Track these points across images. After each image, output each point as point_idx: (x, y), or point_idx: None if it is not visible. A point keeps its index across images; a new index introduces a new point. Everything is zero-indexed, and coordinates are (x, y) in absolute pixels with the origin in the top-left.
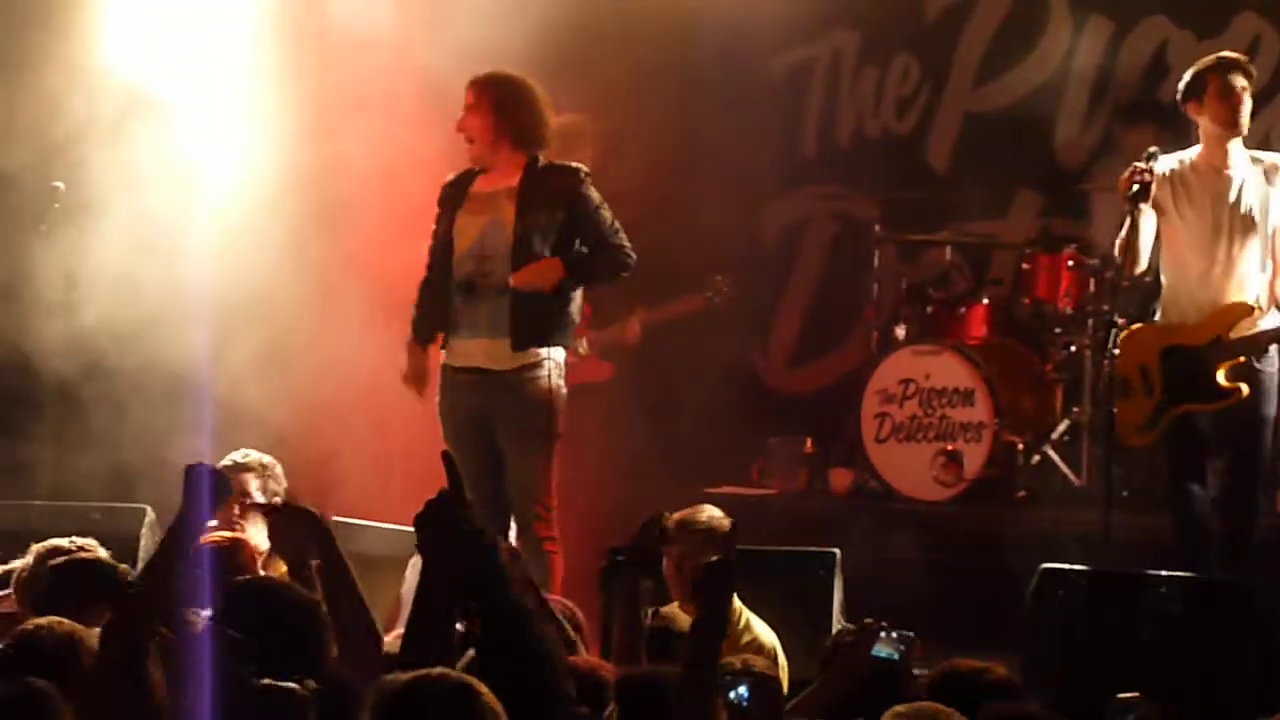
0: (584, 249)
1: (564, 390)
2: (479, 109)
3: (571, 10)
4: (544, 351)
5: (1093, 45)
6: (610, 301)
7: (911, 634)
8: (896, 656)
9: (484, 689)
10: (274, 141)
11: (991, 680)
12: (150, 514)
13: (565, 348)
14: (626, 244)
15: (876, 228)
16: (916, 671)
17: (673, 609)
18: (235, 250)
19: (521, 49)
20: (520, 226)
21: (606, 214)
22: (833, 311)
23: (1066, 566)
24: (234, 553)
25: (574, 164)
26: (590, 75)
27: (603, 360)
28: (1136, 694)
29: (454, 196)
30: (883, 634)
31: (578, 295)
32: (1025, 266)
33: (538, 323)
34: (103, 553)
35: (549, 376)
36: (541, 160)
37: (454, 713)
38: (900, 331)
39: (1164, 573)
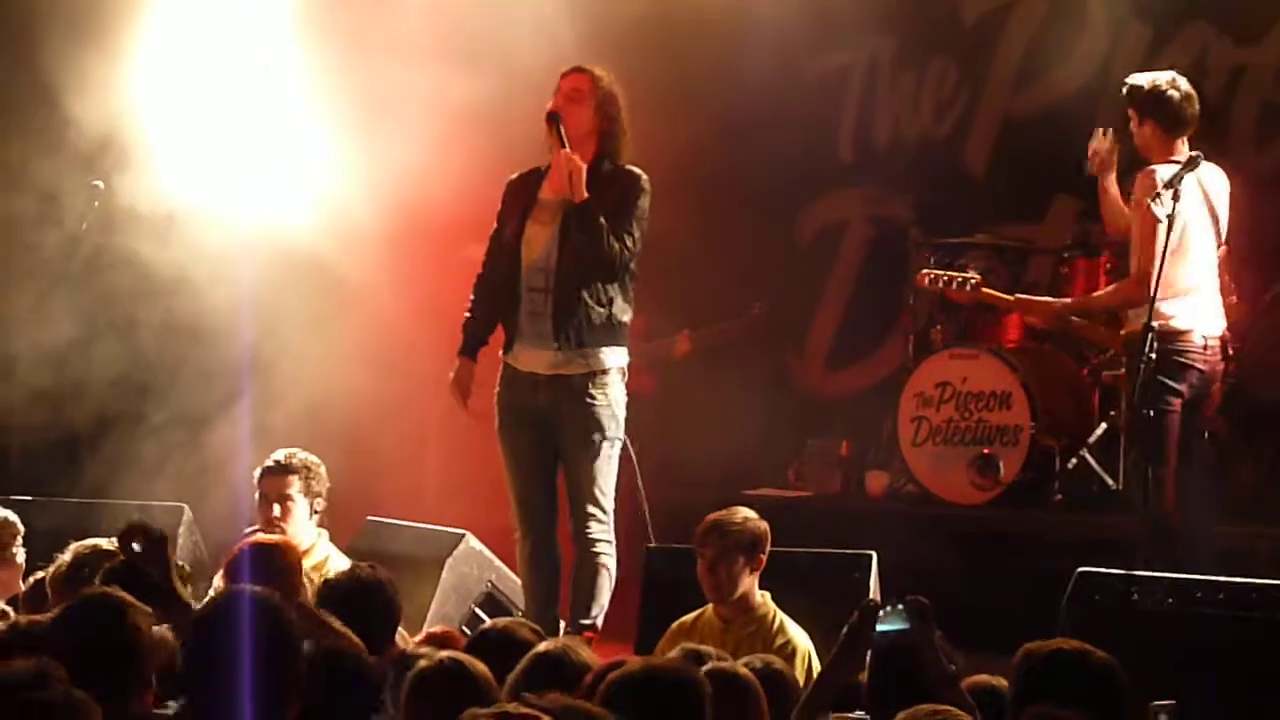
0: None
1: (625, 398)
2: (586, 101)
3: (608, 19)
4: (607, 358)
5: (1131, 51)
6: (661, 318)
7: (920, 597)
8: (908, 626)
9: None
10: (322, 150)
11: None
12: (188, 512)
13: (624, 347)
14: (630, 246)
15: (913, 231)
16: None
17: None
18: (280, 253)
19: (558, 58)
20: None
21: (638, 219)
22: (869, 315)
23: (1103, 570)
24: (280, 553)
25: (636, 169)
26: (628, 82)
27: (648, 373)
28: (1171, 702)
29: (521, 199)
30: (884, 610)
31: (618, 298)
32: (1063, 270)
33: (583, 325)
34: None
35: (613, 383)
36: (607, 165)
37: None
38: (937, 335)
39: (1200, 577)
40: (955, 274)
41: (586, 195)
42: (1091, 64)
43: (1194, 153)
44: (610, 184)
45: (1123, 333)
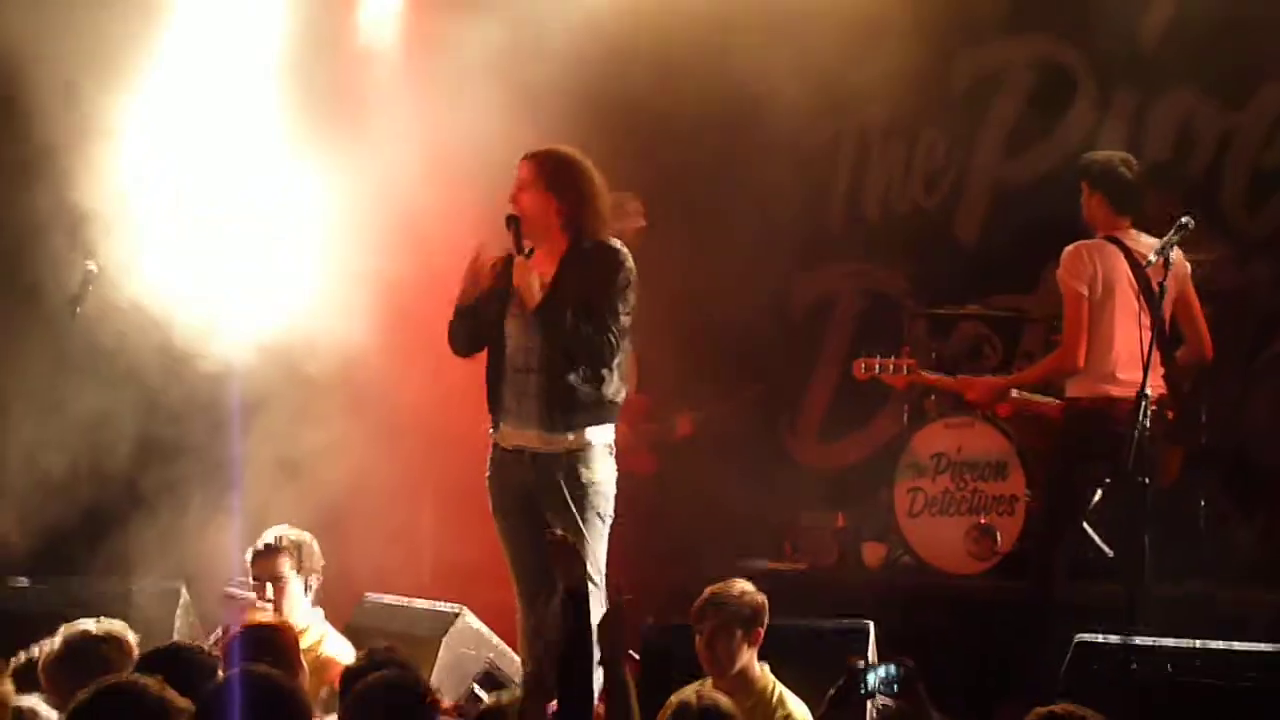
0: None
1: (614, 473)
2: (534, 186)
3: (588, 101)
4: (593, 435)
5: (1118, 118)
6: (662, 398)
7: (906, 659)
8: (895, 687)
9: None
10: (316, 224)
11: None
12: (184, 593)
13: (612, 424)
14: (614, 329)
15: (906, 301)
16: None
17: (708, 689)
18: (273, 331)
19: (547, 129)
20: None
21: (622, 295)
22: (863, 386)
23: (1101, 638)
24: (275, 636)
25: (614, 243)
26: (621, 157)
27: (650, 453)
28: None
29: (502, 288)
30: (870, 670)
31: (613, 378)
32: (1056, 339)
33: (572, 406)
34: (131, 637)
35: (599, 460)
36: (586, 243)
37: None
38: (931, 404)
39: (1199, 644)
40: (890, 360)
41: (539, 300)
42: (1080, 131)
43: (1184, 219)
44: (589, 264)
45: (1065, 399)
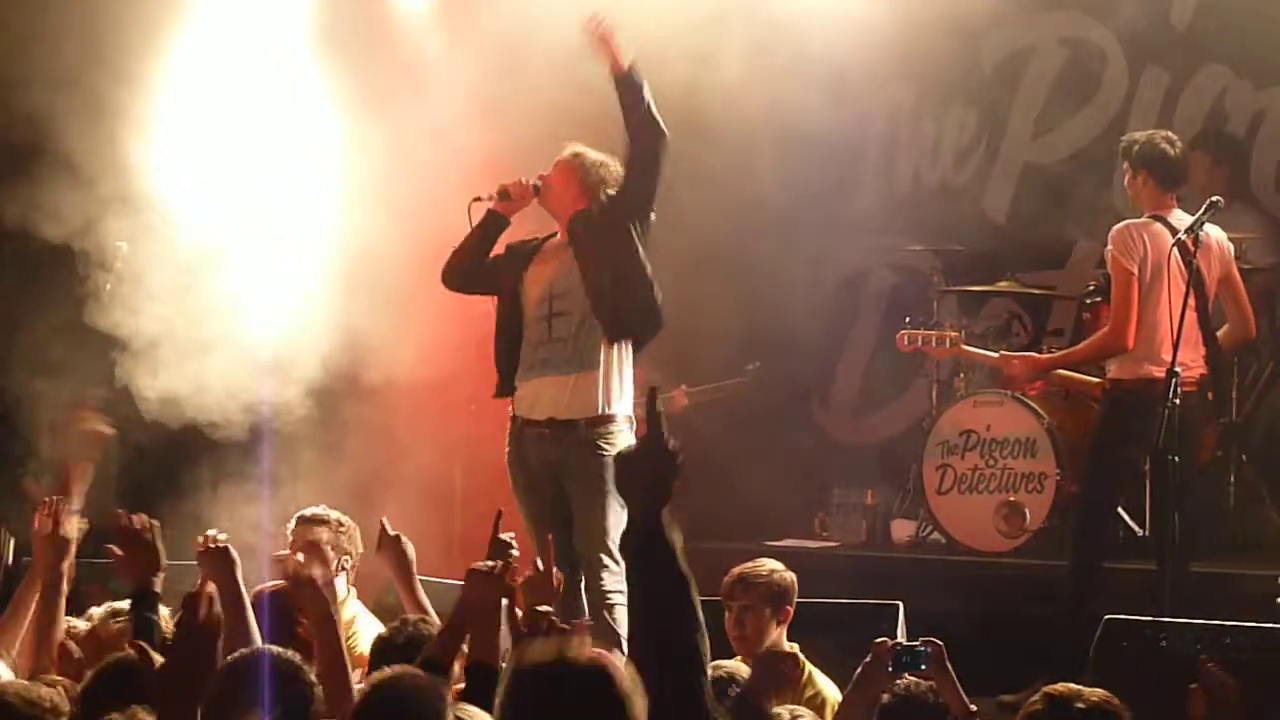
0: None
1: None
2: (568, 167)
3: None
4: (614, 408)
5: (1150, 96)
6: (657, 374)
7: (933, 639)
8: (923, 666)
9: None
10: (349, 218)
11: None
12: None
13: (630, 398)
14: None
15: (935, 279)
16: None
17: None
18: (308, 320)
19: (573, 104)
20: (589, 263)
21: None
22: (893, 363)
23: (1130, 617)
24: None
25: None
26: None
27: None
28: None
29: (524, 253)
30: (899, 651)
31: (628, 362)
32: (1086, 316)
33: (591, 351)
34: (163, 610)
35: (619, 432)
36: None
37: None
38: (960, 382)
39: (1229, 622)
40: (933, 332)
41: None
42: (1111, 109)
43: (1214, 198)
44: (603, 214)
45: (1108, 378)
